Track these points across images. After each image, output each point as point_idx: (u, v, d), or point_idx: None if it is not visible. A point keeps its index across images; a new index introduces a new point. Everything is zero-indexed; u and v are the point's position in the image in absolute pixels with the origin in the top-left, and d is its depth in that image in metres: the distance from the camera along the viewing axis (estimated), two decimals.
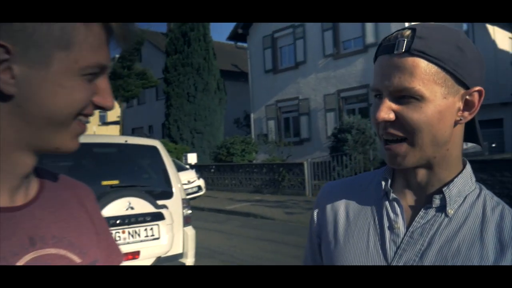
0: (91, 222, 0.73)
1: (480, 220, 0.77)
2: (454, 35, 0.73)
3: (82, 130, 0.63)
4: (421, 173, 0.80)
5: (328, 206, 0.93)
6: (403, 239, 0.80)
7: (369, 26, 14.73)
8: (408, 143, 0.75)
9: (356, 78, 15.27)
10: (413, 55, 0.71)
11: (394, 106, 0.74)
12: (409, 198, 0.83)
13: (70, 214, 0.70)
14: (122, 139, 4.26)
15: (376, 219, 0.85)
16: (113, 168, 4.08)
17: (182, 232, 4.25)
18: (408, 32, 0.74)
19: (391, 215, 0.82)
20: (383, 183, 0.85)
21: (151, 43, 24.97)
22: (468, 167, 0.82)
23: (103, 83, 0.63)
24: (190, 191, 12.30)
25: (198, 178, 13.46)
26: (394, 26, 13.99)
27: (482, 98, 0.75)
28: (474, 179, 0.82)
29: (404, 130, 0.74)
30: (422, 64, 0.71)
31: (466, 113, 0.76)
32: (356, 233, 0.85)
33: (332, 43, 16.02)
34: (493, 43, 15.73)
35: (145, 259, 3.76)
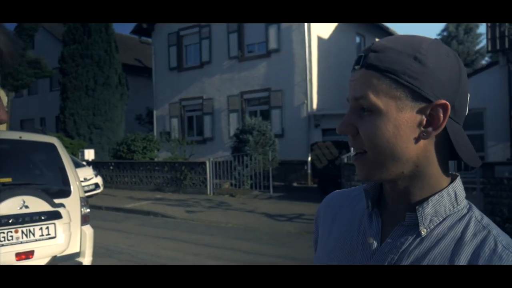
0: None
1: (454, 243, 0.71)
2: (414, 46, 0.71)
3: None
4: (397, 188, 0.76)
5: (327, 216, 0.92)
6: (374, 254, 0.77)
7: (272, 32, 15.39)
8: (368, 157, 0.74)
9: (259, 82, 15.84)
10: (367, 68, 0.72)
11: (354, 120, 0.74)
12: (391, 213, 0.79)
13: None
14: (16, 135, 4.06)
15: (357, 233, 0.82)
16: (5, 165, 3.88)
17: (80, 231, 4.19)
18: (368, 47, 0.74)
19: (368, 229, 0.80)
20: (364, 195, 0.83)
21: (46, 30, 23.27)
22: (455, 185, 0.75)
23: None
24: (86, 189, 11.78)
25: (96, 176, 12.92)
26: (295, 35, 14.79)
27: (449, 113, 0.70)
28: (462, 198, 0.76)
29: (363, 144, 0.73)
30: (375, 78, 0.71)
31: (429, 129, 0.71)
32: (338, 246, 0.84)
33: (237, 46, 16.43)
34: None
35: (40, 259, 3.66)
